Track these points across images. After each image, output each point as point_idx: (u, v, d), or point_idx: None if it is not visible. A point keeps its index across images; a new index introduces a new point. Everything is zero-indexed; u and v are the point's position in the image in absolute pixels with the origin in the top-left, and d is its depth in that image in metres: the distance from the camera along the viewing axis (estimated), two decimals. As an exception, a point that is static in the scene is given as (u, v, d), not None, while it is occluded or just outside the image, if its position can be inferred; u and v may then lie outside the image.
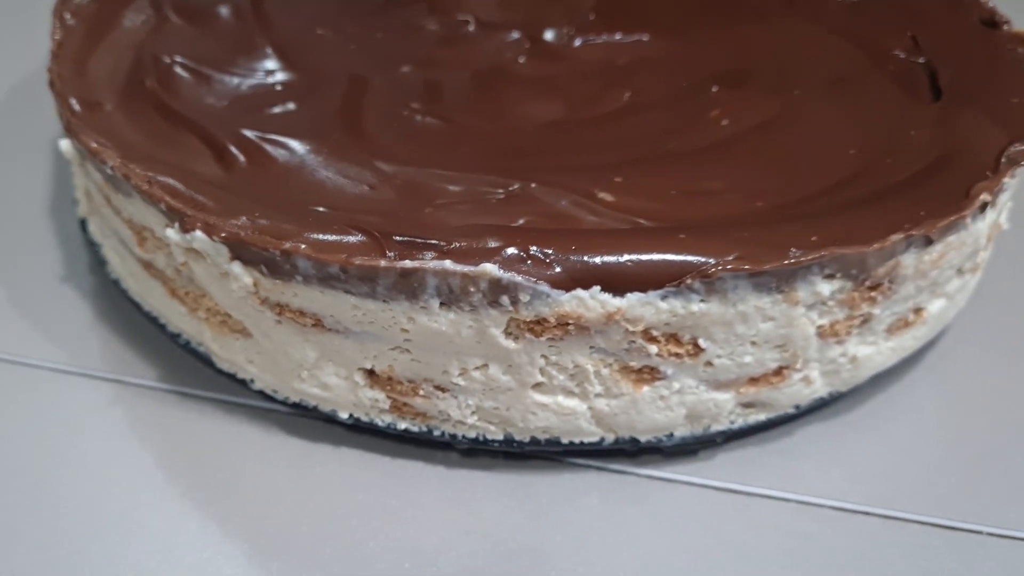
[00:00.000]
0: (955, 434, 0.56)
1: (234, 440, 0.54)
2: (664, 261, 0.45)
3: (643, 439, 0.52)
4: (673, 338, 0.48)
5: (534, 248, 0.45)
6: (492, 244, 0.45)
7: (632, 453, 0.53)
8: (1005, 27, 0.67)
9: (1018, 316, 0.64)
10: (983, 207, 0.52)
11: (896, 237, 0.48)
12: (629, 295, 0.45)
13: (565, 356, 0.48)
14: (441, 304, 0.46)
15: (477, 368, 0.48)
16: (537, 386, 0.49)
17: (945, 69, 0.63)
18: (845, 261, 0.47)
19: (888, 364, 0.56)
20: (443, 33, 0.65)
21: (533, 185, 0.51)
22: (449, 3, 0.68)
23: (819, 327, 0.50)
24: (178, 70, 0.59)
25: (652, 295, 0.45)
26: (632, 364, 0.48)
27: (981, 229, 0.54)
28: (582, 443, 0.51)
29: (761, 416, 0.53)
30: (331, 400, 0.52)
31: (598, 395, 0.49)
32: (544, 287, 0.45)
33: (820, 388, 0.54)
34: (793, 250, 0.46)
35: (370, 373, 0.50)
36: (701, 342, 0.48)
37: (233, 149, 0.53)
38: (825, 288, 0.48)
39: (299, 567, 0.48)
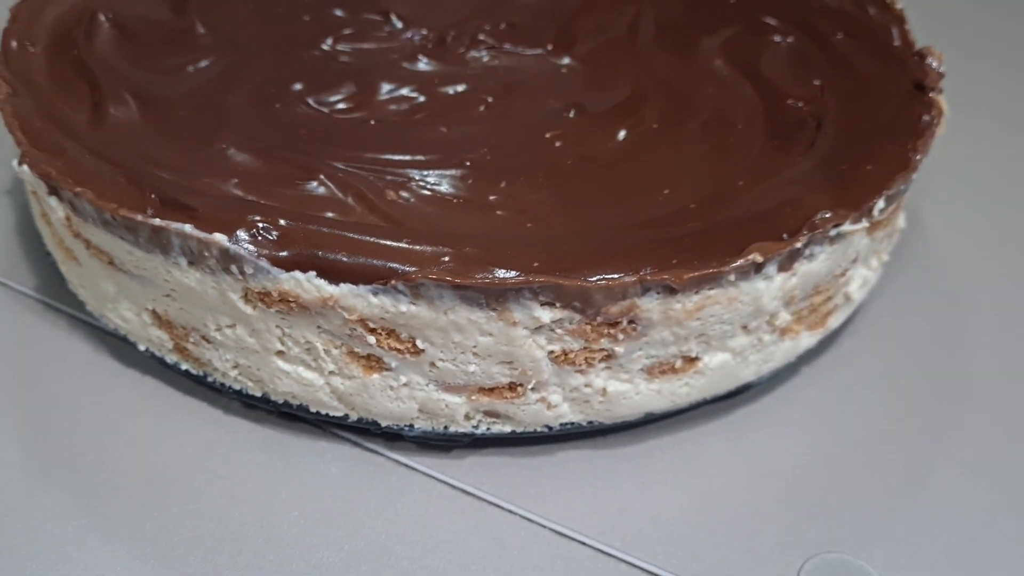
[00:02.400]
0: (710, 493, 0.56)
1: (65, 352, 0.61)
2: (373, 260, 0.48)
3: (383, 423, 0.55)
4: (392, 333, 0.51)
5: (264, 227, 0.49)
6: (234, 216, 0.50)
7: (389, 436, 0.57)
8: (931, 94, 0.64)
9: (845, 389, 0.62)
10: (759, 267, 0.52)
11: (628, 279, 0.49)
12: (343, 285, 0.49)
13: (296, 330, 0.52)
14: (189, 263, 0.51)
15: (228, 327, 0.53)
16: (280, 353, 0.53)
17: (830, 125, 0.62)
18: (562, 292, 0.49)
19: (660, 407, 0.56)
20: (360, 23, 0.70)
21: (335, 174, 0.55)
22: (381, -4, 0.72)
23: (551, 352, 0.52)
24: (106, 25, 0.67)
25: (363, 289, 0.49)
26: (357, 350, 0.52)
27: (762, 290, 0.53)
28: (328, 415, 0.56)
29: (507, 428, 0.55)
30: (132, 332, 0.58)
31: (332, 372, 0.53)
32: (264, 263, 0.49)
33: (568, 414, 0.55)
34: (501, 271, 0.48)
35: (155, 314, 0.56)
36: (419, 342, 0.51)
37: (109, 103, 0.60)
38: (544, 315, 0.49)
39: (49, 467, 0.55)
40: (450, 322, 0.50)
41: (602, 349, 0.52)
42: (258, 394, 0.56)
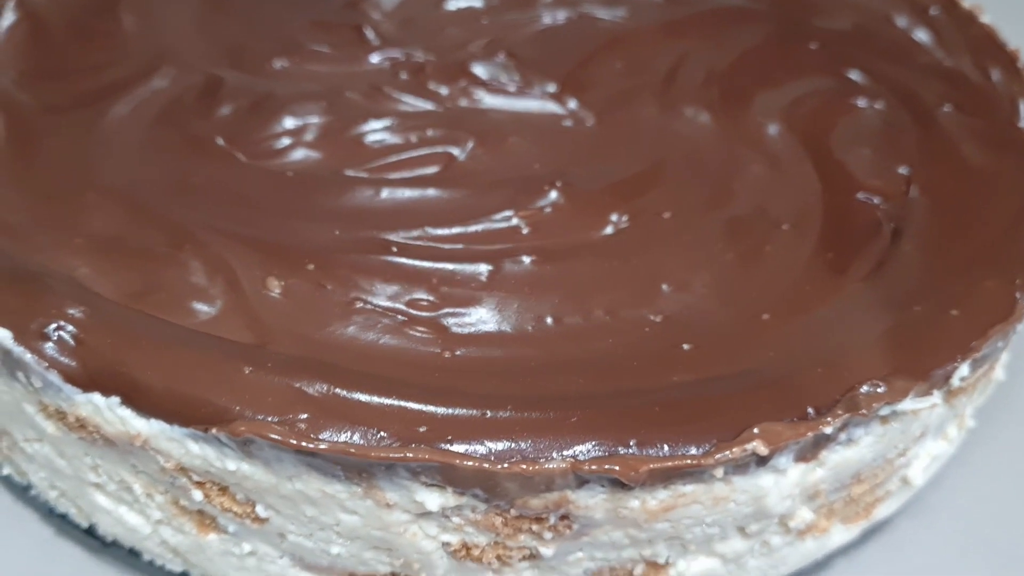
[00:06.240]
0: None
1: None
2: (194, 391, 0.34)
3: (232, 592, 0.41)
4: (225, 491, 0.36)
5: (62, 325, 0.35)
6: (26, 305, 0.36)
7: (247, 600, 0.43)
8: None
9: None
10: (763, 459, 0.35)
11: (555, 466, 0.33)
12: (154, 421, 0.35)
13: (108, 464, 0.38)
14: (-23, 356, 0.38)
15: (36, 440, 0.40)
16: (96, 486, 0.40)
17: (912, 237, 0.44)
18: (454, 475, 0.33)
19: (611, 617, 0.40)
20: (326, 38, 0.55)
21: (208, 247, 0.41)
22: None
23: (446, 544, 0.36)
24: (12, 17, 0.54)
25: (178, 431, 0.34)
26: (184, 503, 0.38)
27: (767, 488, 0.36)
28: (164, 567, 0.42)
29: (395, 621, 0.40)
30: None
31: (160, 522, 0.39)
32: (55, 377, 0.35)
33: (478, 617, 0.39)
34: (361, 435, 0.33)
35: (-30, 406, 0.43)
36: (260, 510, 0.36)
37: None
38: (431, 500, 0.34)
39: None
40: (297, 492, 0.35)
41: (521, 547, 0.36)
42: (84, 524, 0.43)
